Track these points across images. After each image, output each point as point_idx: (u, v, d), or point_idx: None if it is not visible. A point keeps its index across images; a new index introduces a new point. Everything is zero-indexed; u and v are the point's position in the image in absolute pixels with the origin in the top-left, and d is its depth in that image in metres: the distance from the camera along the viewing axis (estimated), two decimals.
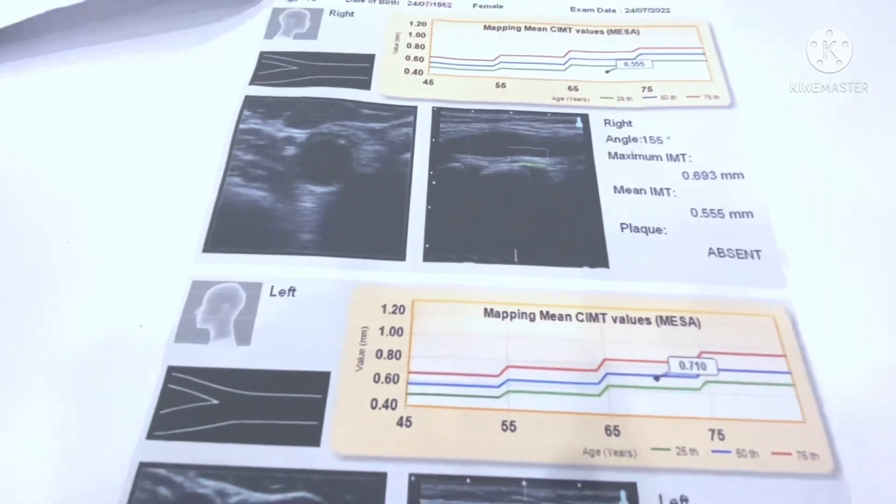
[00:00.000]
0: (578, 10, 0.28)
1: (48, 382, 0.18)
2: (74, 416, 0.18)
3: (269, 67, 0.25)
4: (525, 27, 0.27)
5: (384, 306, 0.20)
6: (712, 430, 0.18)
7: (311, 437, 0.17)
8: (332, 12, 0.27)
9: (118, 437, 0.17)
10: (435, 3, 0.28)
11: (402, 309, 0.20)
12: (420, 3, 0.28)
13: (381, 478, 0.17)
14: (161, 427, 0.17)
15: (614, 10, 0.28)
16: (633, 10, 0.28)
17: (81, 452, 0.17)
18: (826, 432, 0.18)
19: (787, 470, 0.17)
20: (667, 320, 0.20)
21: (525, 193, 0.22)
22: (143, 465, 0.17)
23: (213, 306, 0.20)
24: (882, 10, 0.28)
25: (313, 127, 0.24)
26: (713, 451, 0.18)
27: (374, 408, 0.18)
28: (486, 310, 0.20)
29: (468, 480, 0.17)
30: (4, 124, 0.24)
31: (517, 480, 0.17)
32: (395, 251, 0.21)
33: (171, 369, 0.18)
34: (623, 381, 0.19)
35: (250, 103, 0.24)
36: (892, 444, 0.18)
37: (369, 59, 0.26)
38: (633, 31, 0.27)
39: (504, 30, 0.27)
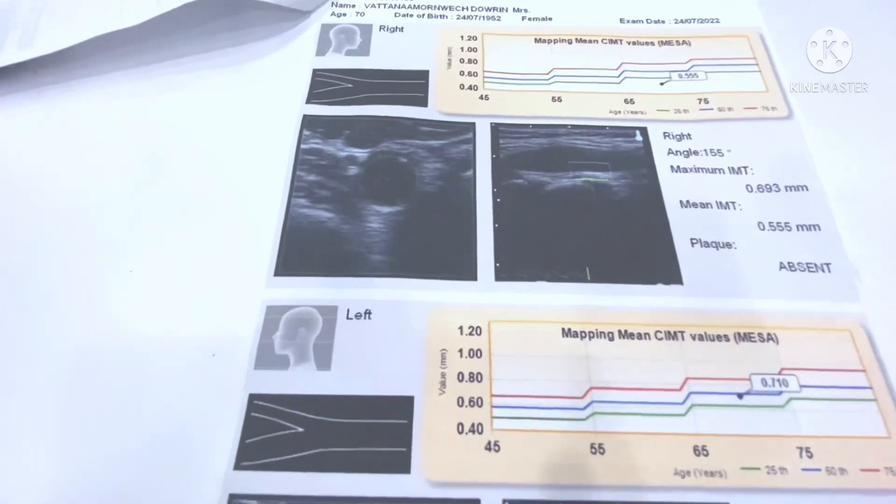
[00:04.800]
0: (628, 21, 0.28)
1: (130, 419, 0.18)
2: (160, 450, 0.17)
3: (324, 85, 0.25)
4: (576, 39, 0.27)
5: (461, 328, 0.20)
6: (800, 448, 0.18)
7: (402, 464, 0.17)
8: (381, 28, 0.27)
9: (207, 469, 0.17)
10: (484, 17, 0.28)
11: (478, 330, 0.20)
12: (469, 17, 0.28)
13: None
14: (248, 457, 0.17)
15: (664, 21, 0.28)
16: (682, 21, 0.28)
17: (171, 485, 0.17)
18: None
19: (876, 487, 0.17)
20: (745, 337, 0.20)
21: (591, 209, 0.22)
22: (233, 497, 0.17)
23: (290, 331, 0.19)
24: None
25: (374, 146, 0.24)
26: (803, 470, 0.18)
27: (460, 433, 0.18)
28: (563, 330, 0.20)
29: None
30: (60, 152, 0.24)
31: None
32: (467, 271, 0.21)
33: (252, 397, 0.18)
34: (707, 400, 0.19)
35: (309, 122, 0.24)
36: None
37: (423, 75, 0.26)
38: (684, 42, 0.27)
39: (555, 42, 0.27)
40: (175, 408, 0.18)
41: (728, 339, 0.20)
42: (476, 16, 0.28)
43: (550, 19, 0.28)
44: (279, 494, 0.17)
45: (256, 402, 0.18)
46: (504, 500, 0.17)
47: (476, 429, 0.18)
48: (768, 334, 0.20)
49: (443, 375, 0.19)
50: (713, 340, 0.20)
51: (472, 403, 0.18)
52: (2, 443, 0.18)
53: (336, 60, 0.26)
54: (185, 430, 0.18)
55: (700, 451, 0.18)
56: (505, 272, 0.21)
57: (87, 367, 0.19)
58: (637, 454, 0.18)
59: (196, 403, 0.18)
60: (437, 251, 0.21)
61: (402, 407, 0.18)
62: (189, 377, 0.19)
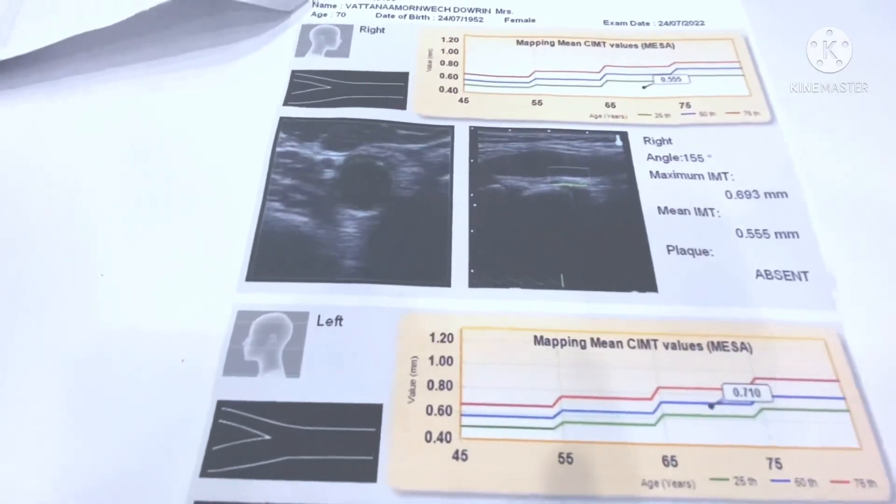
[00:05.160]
0: (612, 23, 0.27)
1: (95, 424, 0.18)
2: (125, 456, 0.17)
3: (302, 87, 0.25)
4: (559, 41, 0.27)
5: (432, 335, 0.20)
6: (770, 459, 0.18)
7: (368, 472, 0.17)
8: (362, 28, 0.27)
9: (172, 476, 0.17)
10: (466, 18, 0.28)
11: (450, 337, 0.20)
12: (451, 18, 0.28)
13: None
14: (214, 464, 0.17)
15: (648, 24, 0.27)
16: (666, 23, 0.27)
17: (135, 492, 0.17)
18: (883, 459, 0.18)
19: (846, 498, 0.17)
20: (718, 346, 0.20)
21: (568, 215, 0.22)
22: None
23: (261, 337, 0.19)
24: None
25: (350, 149, 0.23)
26: (772, 481, 0.17)
27: (428, 441, 0.18)
28: (536, 337, 0.19)
29: None
30: (31, 152, 0.24)
31: None
32: (440, 277, 0.21)
33: (220, 403, 0.18)
34: (678, 410, 0.18)
35: (286, 125, 0.24)
36: None
37: (403, 77, 0.25)
38: (668, 45, 0.27)
39: (537, 45, 0.27)
40: (142, 413, 0.18)
41: (701, 348, 0.19)
42: (458, 17, 0.28)
43: (533, 21, 0.28)
44: (245, 502, 0.17)
45: (224, 409, 0.18)
46: None
47: (444, 437, 0.18)
48: (742, 343, 0.20)
49: (412, 383, 0.19)
50: (686, 349, 0.19)
51: (441, 412, 0.18)
52: None
53: (315, 62, 0.26)
54: (151, 436, 0.18)
55: (669, 461, 0.18)
56: (479, 278, 0.21)
57: (53, 370, 0.19)
58: (604, 464, 0.17)
59: (163, 409, 0.18)
60: (410, 257, 0.21)
61: (370, 415, 0.18)
62: (157, 382, 0.18)
